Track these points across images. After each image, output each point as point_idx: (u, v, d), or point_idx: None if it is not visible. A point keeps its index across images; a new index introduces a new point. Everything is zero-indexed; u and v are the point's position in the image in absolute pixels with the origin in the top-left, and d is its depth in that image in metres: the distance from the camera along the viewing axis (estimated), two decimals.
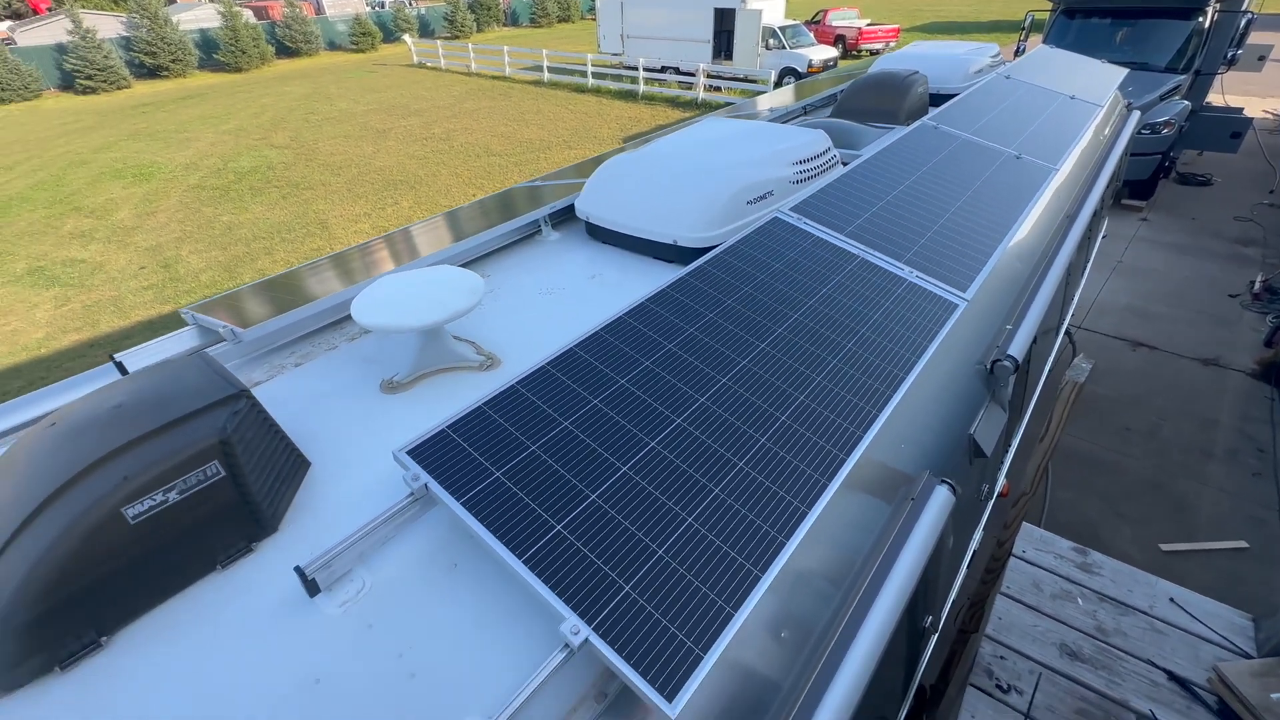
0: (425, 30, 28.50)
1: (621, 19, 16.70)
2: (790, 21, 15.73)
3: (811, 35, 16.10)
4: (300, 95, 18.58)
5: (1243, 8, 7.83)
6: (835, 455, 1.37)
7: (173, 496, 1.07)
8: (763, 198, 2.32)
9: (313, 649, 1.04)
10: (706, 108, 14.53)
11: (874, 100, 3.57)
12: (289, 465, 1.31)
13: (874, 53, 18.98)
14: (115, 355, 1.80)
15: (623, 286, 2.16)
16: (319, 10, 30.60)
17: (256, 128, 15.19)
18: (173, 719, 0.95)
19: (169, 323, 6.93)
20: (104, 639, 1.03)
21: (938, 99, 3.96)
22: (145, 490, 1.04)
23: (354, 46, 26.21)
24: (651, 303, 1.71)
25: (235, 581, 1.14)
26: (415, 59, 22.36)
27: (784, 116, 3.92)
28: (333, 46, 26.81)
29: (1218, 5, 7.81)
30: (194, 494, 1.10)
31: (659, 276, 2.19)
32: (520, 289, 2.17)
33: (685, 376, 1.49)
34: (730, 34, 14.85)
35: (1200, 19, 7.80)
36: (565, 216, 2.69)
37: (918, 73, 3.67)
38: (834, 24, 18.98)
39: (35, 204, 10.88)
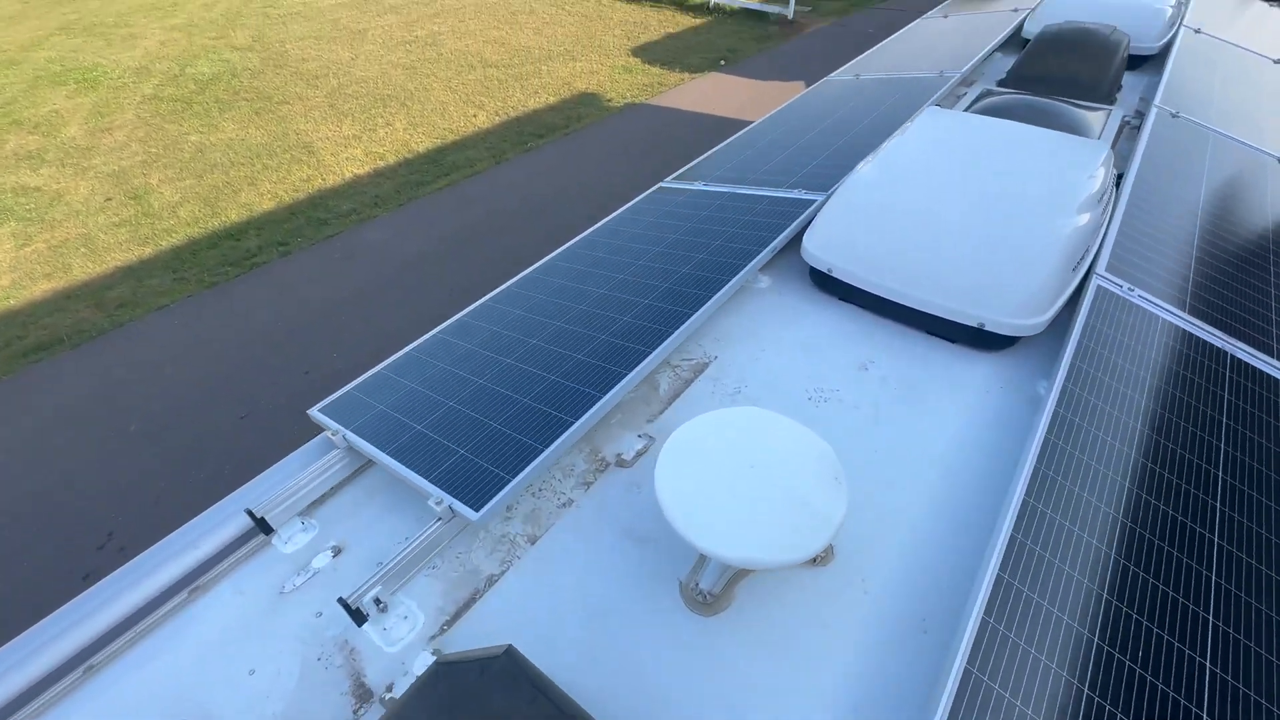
0: None
1: None
2: None
3: None
4: None
5: None
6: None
7: None
8: (1083, 259, 1.75)
9: None
10: (720, 12, 13.18)
11: (1068, 65, 2.82)
12: None
13: None
14: (255, 511, 1.35)
15: (920, 400, 1.54)
16: None
17: (210, 23, 13.39)
18: None
19: (151, 267, 6.22)
20: None
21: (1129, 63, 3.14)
22: None
23: None
24: None
25: None
26: None
27: (945, 93, 2.91)
28: None
29: None
30: None
31: (957, 369, 1.63)
32: (773, 387, 1.60)
33: None
34: None
35: None
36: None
37: (1116, 28, 2.95)
38: None
39: None
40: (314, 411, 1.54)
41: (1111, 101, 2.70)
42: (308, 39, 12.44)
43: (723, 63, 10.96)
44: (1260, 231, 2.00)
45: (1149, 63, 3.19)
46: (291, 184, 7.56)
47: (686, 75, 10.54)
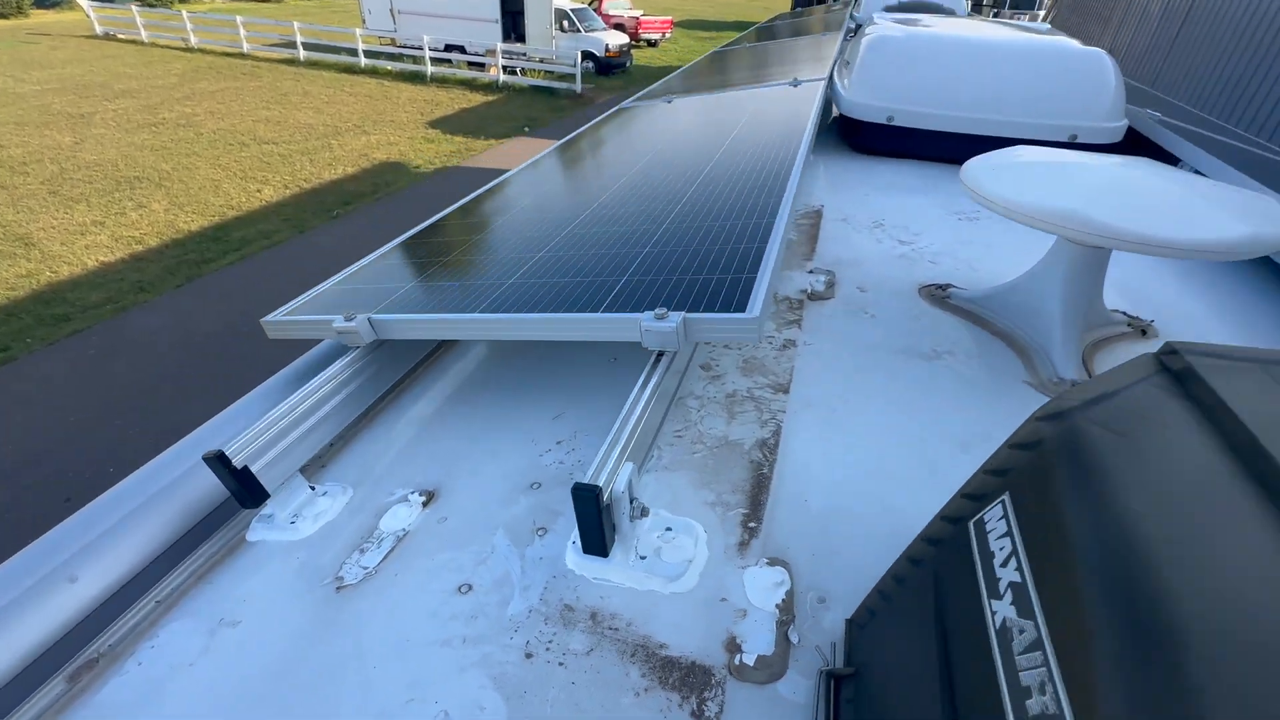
0: None
1: None
2: (579, 4, 15.46)
3: (601, 20, 16.04)
4: None
5: None
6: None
7: None
8: None
9: None
10: (510, 91, 13.58)
11: None
12: None
13: (651, 43, 19.71)
14: (232, 458, 0.76)
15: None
16: None
17: None
18: None
19: None
20: None
21: None
22: None
23: None
24: None
25: None
26: (99, 29, 17.24)
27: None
28: None
29: None
30: None
31: None
32: (913, 218, 1.43)
33: None
34: (519, 15, 14.02)
35: None
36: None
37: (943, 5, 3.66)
38: (609, 13, 19.19)
39: None
40: (274, 317, 1.02)
41: None
42: (6, 125, 10.05)
43: (527, 129, 11.16)
44: None
45: None
46: (5, 280, 5.77)
47: (493, 141, 10.49)
